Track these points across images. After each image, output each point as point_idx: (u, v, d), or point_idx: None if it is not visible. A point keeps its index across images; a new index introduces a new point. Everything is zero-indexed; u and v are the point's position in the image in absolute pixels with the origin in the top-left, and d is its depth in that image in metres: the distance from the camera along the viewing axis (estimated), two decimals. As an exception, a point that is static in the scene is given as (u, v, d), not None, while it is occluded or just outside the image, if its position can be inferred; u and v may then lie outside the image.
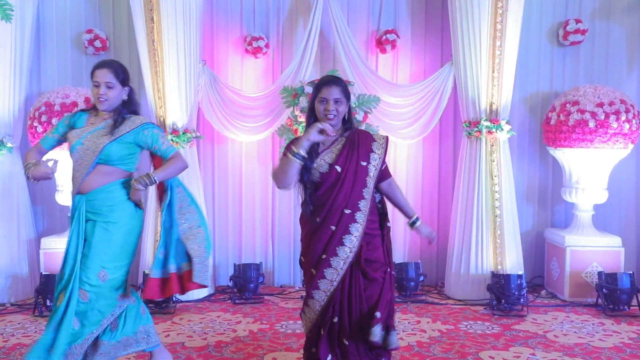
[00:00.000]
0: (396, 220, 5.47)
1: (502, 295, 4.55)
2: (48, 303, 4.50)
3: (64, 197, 4.96)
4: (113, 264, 2.93)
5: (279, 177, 2.73)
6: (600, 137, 4.73)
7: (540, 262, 5.49)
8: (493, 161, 4.93)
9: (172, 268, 3.08)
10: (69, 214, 2.95)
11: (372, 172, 2.77)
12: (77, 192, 2.92)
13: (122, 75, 2.97)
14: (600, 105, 4.73)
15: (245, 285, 4.94)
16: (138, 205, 3.02)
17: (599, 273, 4.68)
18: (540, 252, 5.51)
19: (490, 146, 4.94)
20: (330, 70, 5.06)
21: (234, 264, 5.11)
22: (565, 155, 4.98)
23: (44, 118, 4.70)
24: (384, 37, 5.32)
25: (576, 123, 4.77)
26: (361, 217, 2.74)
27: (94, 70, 2.94)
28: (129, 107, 3.02)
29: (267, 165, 5.52)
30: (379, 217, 2.89)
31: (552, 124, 4.98)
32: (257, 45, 5.31)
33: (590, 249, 4.89)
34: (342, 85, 2.78)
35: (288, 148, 2.70)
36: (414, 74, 5.52)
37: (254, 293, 4.96)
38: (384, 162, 2.83)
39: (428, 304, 4.86)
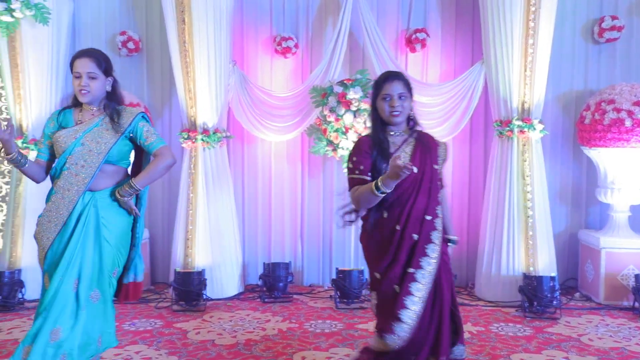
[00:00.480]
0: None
1: (534, 297, 4.48)
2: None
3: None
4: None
5: (361, 206, 2.55)
6: (636, 136, 4.61)
7: (574, 264, 5.38)
8: (525, 161, 4.85)
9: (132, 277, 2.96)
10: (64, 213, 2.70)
11: (440, 175, 2.65)
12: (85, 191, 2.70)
13: (105, 64, 2.73)
14: (637, 103, 4.61)
15: (275, 284, 4.97)
16: (130, 212, 2.81)
17: (636, 275, 4.56)
18: (573, 253, 5.40)
19: (522, 146, 4.86)
20: (360, 69, 5.05)
21: (263, 263, 5.15)
22: (600, 155, 4.87)
23: (79, 118, 4.80)
24: (413, 36, 5.29)
25: (612, 122, 4.66)
26: (439, 224, 2.55)
27: (74, 61, 2.70)
28: (115, 98, 2.79)
29: (296, 165, 5.54)
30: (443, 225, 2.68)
31: (586, 123, 4.88)
32: (286, 45, 5.34)
33: (627, 251, 4.77)
34: (405, 79, 2.59)
35: (375, 184, 2.41)
36: (444, 73, 5.47)
37: (283, 292, 4.99)
38: (442, 168, 2.69)
39: (459, 305, 4.79)
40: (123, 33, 5.42)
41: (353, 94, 4.78)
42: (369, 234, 2.62)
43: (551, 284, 4.51)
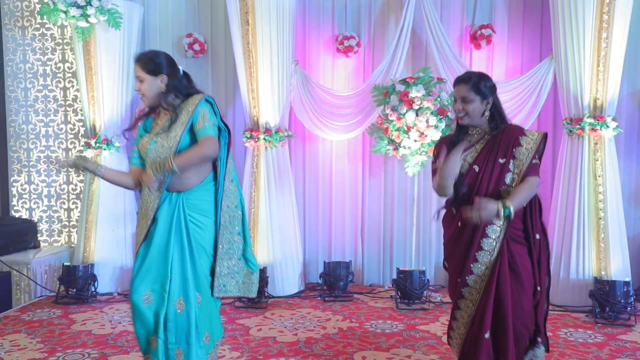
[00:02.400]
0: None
1: (606, 302, 4.28)
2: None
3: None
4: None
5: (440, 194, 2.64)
6: None
7: (650, 269, 5.10)
8: (597, 160, 4.64)
9: None
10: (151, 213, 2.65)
11: (515, 168, 2.56)
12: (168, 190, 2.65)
13: (151, 65, 2.64)
14: None
15: (335, 283, 4.98)
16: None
17: None
18: (649, 258, 5.12)
19: (594, 144, 4.65)
20: (422, 67, 4.99)
21: (324, 262, 5.17)
22: (680, 154, 4.59)
23: (147, 119, 4.98)
24: (478, 33, 5.16)
25: (694, 119, 4.38)
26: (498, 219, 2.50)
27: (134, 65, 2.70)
28: (177, 93, 2.69)
29: (357, 164, 5.54)
30: (523, 225, 2.62)
31: (665, 120, 4.60)
32: (348, 44, 5.33)
33: None
34: (471, 81, 2.59)
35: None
36: (510, 70, 5.31)
37: (343, 291, 4.99)
38: (534, 157, 2.55)
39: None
40: (189, 35, 5.58)
41: (415, 93, 4.71)
42: (447, 222, 2.76)
43: (625, 289, 4.29)
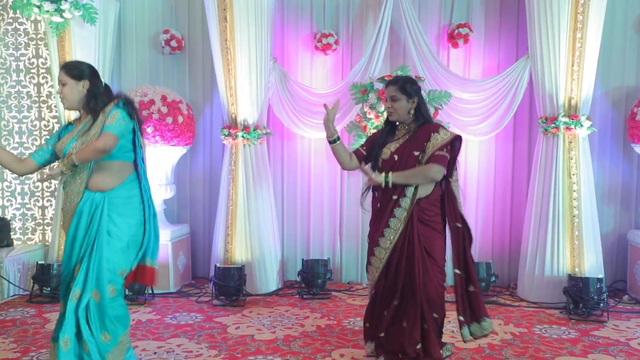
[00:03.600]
0: (467, 219, 5.37)
1: (580, 299, 4.35)
2: (127, 292, 4.73)
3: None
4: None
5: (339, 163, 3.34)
6: (691, 133, 4.42)
7: (623, 265, 5.20)
8: (571, 159, 4.71)
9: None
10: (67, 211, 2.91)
11: (422, 158, 3.06)
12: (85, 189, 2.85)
13: (75, 71, 2.87)
14: (693, 99, 4.41)
15: (313, 280, 4.98)
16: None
17: (689, 279, 4.38)
18: (622, 255, 5.22)
19: (569, 143, 4.72)
20: (400, 66, 5.01)
21: (302, 260, 5.16)
22: (651, 153, 4.69)
23: (124, 115, 4.92)
24: (456, 31, 5.20)
25: (665, 118, 4.47)
26: (406, 202, 3.07)
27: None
28: (98, 99, 2.87)
29: (335, 162, 5.47)
30: (441, 212, 3.16)
31: (638, 120, 4.70)
32: (326, 42, 5.33)
33: (679, 253, 4.58)
34: (399, 83, 3.13)
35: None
36: (486, 69, 5.36)
37: (321, 289, 5.00)
38: (439, 149, 3.02)
39: (500, 305, 4.71)
40: (166, 31, 5.52)
41: (393, 91, 4.73)
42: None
43: (598, 286, 4.37)
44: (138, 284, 3.16)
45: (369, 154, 3.28)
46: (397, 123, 3.24)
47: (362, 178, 5.49)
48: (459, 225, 3.16)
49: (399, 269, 3.06)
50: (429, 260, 3.05)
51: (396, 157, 3.10)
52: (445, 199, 3.17)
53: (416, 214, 3.06)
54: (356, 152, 3.33)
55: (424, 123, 3.15)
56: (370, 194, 3.33)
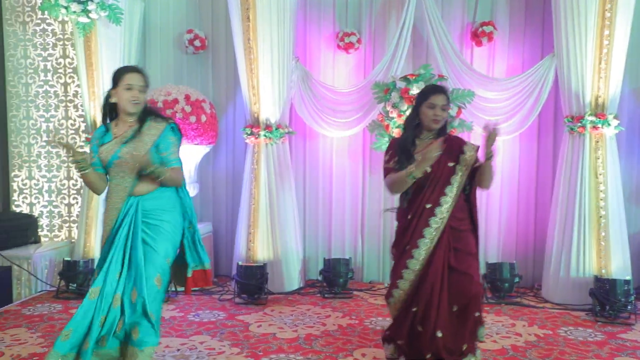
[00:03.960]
0: (491, 219, 5.31)
1: (606, 301, 4.27)
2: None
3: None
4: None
5: (394, 190, 3.11)
6: None
7: (651, 267, 5.09)
8: (598, 158, 4.63)
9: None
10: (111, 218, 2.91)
11: (460, 171, 3.03)
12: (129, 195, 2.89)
13: (147, 78, 2.97)
14: None
15: (335, 279, 4.98)
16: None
17: None
18: (650, 256, 5.11)
19: (595, 142, 4.64)
20: (423, 64, 4.97)
21: (324, 259, 5.17)
22: (681, 153, 4.58)
23: (148, 115, 4.98)
24: (480, 30, 5.15)
25: (695, 117, 4.36)
26: (441, 212, 3.00)
27: (123, 74, 2.88)
28: (150, 111, 2.99)
29: (357, 161, 5.53)
30: (470, 215, 3.13)
31: (666, 119, 4.59)
32: (349, 41, 5.32)
33: None
34: (448, 93, 3.14)
35: (407, 170, 2.95)
36: (511, 67, 5.29)
37: (343, 288, 4.99)
38: (476, 162, 3.04)
39: (524, 306, 4.66)
40: (190, 31, 5.57)
41: (416, 90, 4.70)
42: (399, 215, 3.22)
43: (625, 288, 4.29)
44: (199, 287, 3.15)
45: (402, 165, 3.07)
46: (423, 133, 3.12)
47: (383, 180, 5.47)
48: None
49: (435, 279, 2.95)
50: (470, 257, 3.01)
51: (429, 169, 2.97)
52: (469, 201, 3.14)
53: (448, 222, 3.01)
54: (389, 171, 3.13)
55: (442, 132, 3.12)
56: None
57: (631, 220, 4.98)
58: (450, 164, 3.04)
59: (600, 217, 4.59)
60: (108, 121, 2.99)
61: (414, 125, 3.11)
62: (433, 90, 3.10)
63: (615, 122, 4.61)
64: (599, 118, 4.57)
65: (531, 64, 5.10)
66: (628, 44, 4.59)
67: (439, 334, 2.89)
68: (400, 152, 3.08)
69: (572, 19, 4.58)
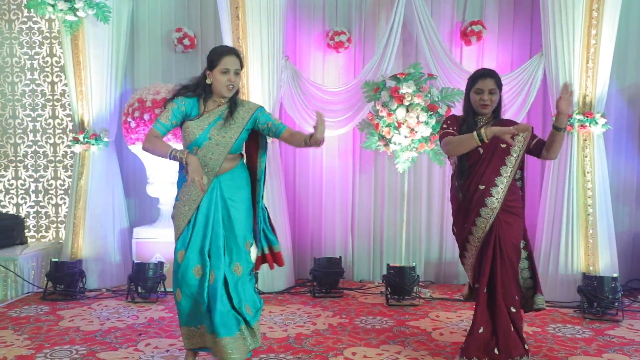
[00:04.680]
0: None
1: (594, 298, 4.31)
2: (139, 290, 4.76)
3: (153, 189, 5.20)
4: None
5: (451, 150, 3.05)
6: None
7: (638, 264, 5.15)
8: (586, 157, 4.66)
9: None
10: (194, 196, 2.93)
11: (514, 153, 3.12)
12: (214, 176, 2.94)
13: (241, 61, 2.97)
14: None
15: (325, 279, 4.97)
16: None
17: None
18: (637, 254, 5.17)
19: (583, 141, 4.68)
20: (413, 63, 4.98)
21: (314, 258, 5.16)
22: (668, 151, 4.63)
23: (136, 114, 4.95)
24: (469, 29, 5.17)
25: (681, 116, 4.41)
26: (496, 192, 3.10)
27: (220, 56, 2.87)
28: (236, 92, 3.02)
29: (347, 160, 5.53)
30: (521, 195, 3.27)
31: (653, 117, 4.64)
32: (339, 40, 5.32)
33: (695, 252, 4.53)
34: (496, 76, 3.11)
35: (474, 131, 2.95)
36: (500, 66, 5.31)
37: (333, 287, 4.99)
38: (531, 139, 3.16)
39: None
40: (179, 30, 5.54)
41: (406, 89, 4.71)
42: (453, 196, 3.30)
43: (613, 285, 4.32)
44: (276, 264, 3.26)
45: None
46: (478, 117, 3.17)
47: (374, 175, 5.49)
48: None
49: (495, 256, 3.10)
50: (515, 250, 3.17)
51: (481, 151, 3.09)
52: (522, 184, 3.30)
53: (504, 203, 3.10)
54: (450, 134, 3.13)
55: (497, 117, 3.18)
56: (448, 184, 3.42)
57: (618, 218, 5.03)
58: (503, 145, 3.09)
59: (588, 215, 4.63)
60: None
61: (469, 112, 3.16)
62: (480, 75, 3.13)
63: (602, 121, 4.65)
64: (587, 117, 4.61)
65: (520, 63, 5.13)
66: (615, 43, 4.64)
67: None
68: (459, 125, 3.14)
69: (559, 18, 4.61)
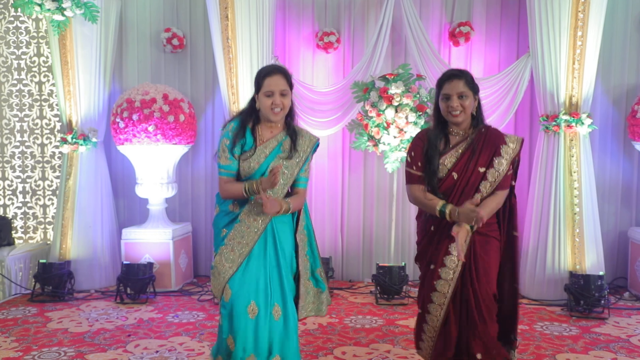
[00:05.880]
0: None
1: (581, 296, 4.36)
2: (128, 291, 4.74)
3: (142, 190, 5.18)
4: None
5: (418, 206, 2.73)
6: (692, 131, 4.43)
7: (623, 263, 5.21)
8: (572, 157, 4.72)
9: None
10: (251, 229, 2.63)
11: (492, 177, 2.59)
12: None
13: (290, 78, 2.68)
14: (693, 97, 4.42)
15: (315, 278, 4.98)
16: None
17: (690, 276, 4.39)
18: (623, 252, 5.23)
19: (570, 141, 4.73)
20: (402, 64, 5.01)
21: (304, 258, 5.16)
22: (652, 151, 4.70)
23: (125, 114, 4.93)
24: (457, 30, 5.21)
25: (665, 116, 4.48)
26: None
27: (265, 78, 2.60)
28: (292, 116, 2.72)
29: (337, 160, 5.54)
30: (497, 219, 2.71)
31: (638, 117, 4.70)
32: (328, 40, 5.33)
33: (680, 251, 4.60)
34: (467, 77, 2.61)
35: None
36: (488, 67, 5.36)
37: (323, 287, 5.00)
38: (509, 168, 2.61)
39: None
40: (168, 30, 5.52)
41: (395, 89, 4.74)
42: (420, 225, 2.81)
43: (599, 283, 4.38)
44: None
45: (426, 172, 2.65)
46: (451, 127, 2.65)
47: (364, 175, 5.51)
48: (516, 233, 2.75)
49: (469, 292, 2.61)
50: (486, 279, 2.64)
51: (455, 176, 2.57)
52: (508, 206, 2.74)
53: (477, 230, 2.60)
54: (416, 180, 2.68)
55: (477, 125, 2.66)
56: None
57: (604, 217, 5.08)
58: (481, 169, 2.58)
59: (575, 214, 4.68)
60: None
61: (439, 121, 2.66)
62: (446, 77, 2.62)
63: (588, 121, 4.70)
64: (573, 117, 4.66)
65: (507, 64, 5.18)
66: (600, 45, 4.69)
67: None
68: (424, 155, 2.63)
69: (546, 20, 4.66)
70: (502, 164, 2.58)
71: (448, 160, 2.60)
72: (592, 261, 4.64)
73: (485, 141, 2.59)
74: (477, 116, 2.65)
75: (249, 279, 2.62)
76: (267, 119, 2.64)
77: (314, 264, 2.81)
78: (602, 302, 4.36)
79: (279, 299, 2.65)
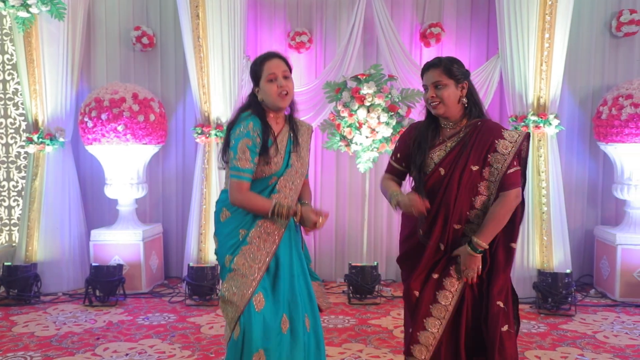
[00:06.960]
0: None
1: (548, 293, 4.44)
2: (97, 293, 4.66)
3: (112, 190, 5.09)
4: None
5: (385, 196, 2.52)
6: (655, 132, 4.55)
7: (589, 260, 5.33)
8: (540, 156, 4.81)
9: None
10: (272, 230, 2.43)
11: (492, 177, 2.31)
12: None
13: (288, 62, 2.54)
14: (656, 98, 4.54)
15: (287, 279, 4.97)
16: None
17: (652, 273, 4.51)
18: (589, 250, 5.35)
19: (538, 141, 4.82)
20: (373, 64, 5.03)
21: (276, 258, 5.14)
22: (616, 151, 4.81)
23: (93, 113, 4.84)
24: (428, 31, 5.25)
25: (629, 117, 4.60)
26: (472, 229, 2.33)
27: (264, 63, 2.45)
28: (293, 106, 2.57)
29: (310, 160, 5.52)
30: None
31: (603, 119, 4.82)
32: (300, 40, 5.33)
33: (643, 248, 4.72)
34: (443, 64, 2.34)
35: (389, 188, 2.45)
36: (458, 68, 5.42)
37: (295, 287, 4.99)
38: (511, 164, 2.29)
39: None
40: (137, 28, 5.44)
41: (367, 89, 4.75)
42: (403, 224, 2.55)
43: (566, 281, 4.47)
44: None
45: (407, 165, 2.47)
46: (442, 120, 2.41)
47: (336, 175, 5.52)
48: (514, 245, 2.41)
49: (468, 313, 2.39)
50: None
51: (442, 171, 2.32)
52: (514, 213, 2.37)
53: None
54: (390, 170, 2.54)
55: (477, 117, 2.38)
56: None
57: (571, 216, 5.19)
58: (474, 167, 2.30)
59: (543, 213, 4.77)
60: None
61: (429, 116, 2.45)
62: (424, 68, 2.40)
63: (556, 122, 4.79)
64: (541, 117, 4.75)
65: (477, 65, 5.24)
66: (566, 48, 4.79)
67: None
68: (407, 147, 2.45)
69: (515, 22, 4.74)
70: (498, 161, 2.28)
71: (437, 155, 2.36)
72: (560, 259, 4.74)
73: (479, 135, 2.32)
74: (471, 107, 2.37)
75: (282, 290, 2.42)
76: (274, 107, 2.43)
77: (308, 258, 2.73)
78: (569, 299, 4.45)
79: (307, 308, 2.48)
